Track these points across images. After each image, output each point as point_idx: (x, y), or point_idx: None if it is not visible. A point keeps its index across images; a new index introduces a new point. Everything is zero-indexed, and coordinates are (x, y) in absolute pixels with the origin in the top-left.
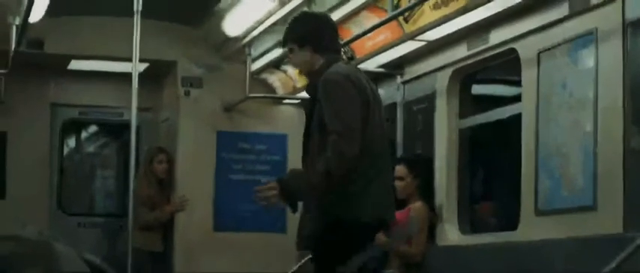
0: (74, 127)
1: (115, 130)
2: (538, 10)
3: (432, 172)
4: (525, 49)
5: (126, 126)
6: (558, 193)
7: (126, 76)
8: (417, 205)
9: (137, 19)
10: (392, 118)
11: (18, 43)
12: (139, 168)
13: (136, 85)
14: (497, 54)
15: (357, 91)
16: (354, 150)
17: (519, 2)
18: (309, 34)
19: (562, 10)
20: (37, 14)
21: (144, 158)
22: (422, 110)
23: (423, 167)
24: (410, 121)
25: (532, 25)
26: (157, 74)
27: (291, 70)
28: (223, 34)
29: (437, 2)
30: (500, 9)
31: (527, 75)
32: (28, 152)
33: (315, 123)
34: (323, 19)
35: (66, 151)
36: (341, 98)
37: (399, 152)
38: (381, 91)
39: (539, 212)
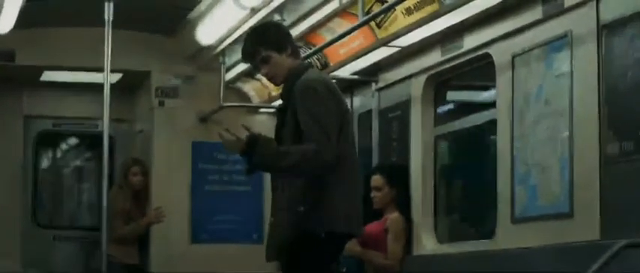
0: (48, 139)
1: (91, 142)
2: (512, 14)
3: (408, 182)
4: (499, 54)
5: (101, 137)
6: (534, 200)
7: (100, 87)
8: (393, 216)
9: (108, 30)
10: (367, 125)
11: None
12: (114, 180)
13: (108, 96)
14: (472, 59)
15: (334, 100)
16: (332, 160)
17: (493, 6)
18: (284, 39)
19: (536, 13)
20: (5, 25)
21: (119, 170)
22: (397, 117)
23: (399, 177)
24: (385, 129)
25: (506, 28)
26: (130, 85)
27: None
28: (196, 43)
29: (409, 7)
30: (473, 13)
31: (502, 80)
32: (3, 165)
33: (288, 128)
34: (283, 25)
35: (40, 163)
36: (320, 108)
37: (375, 161)
38: (357, 99)
39: (515, 220)
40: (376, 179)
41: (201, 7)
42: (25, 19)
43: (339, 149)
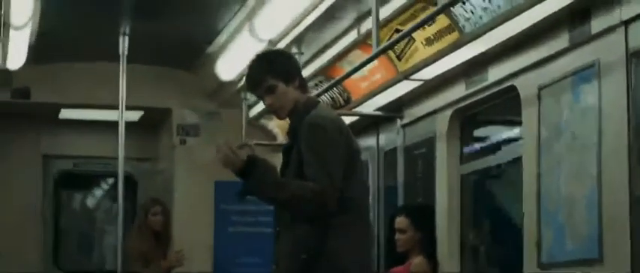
0: (68, 179)
1: (112, 182)
2: (537, 43)
3: (434, 224)
4: (525, 86)
5: (124, 177)
6: (562, 243)
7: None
8: (418, 260)
9: (123, 64)
10: (393, 164)
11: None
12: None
13: (123, 135)
14: (497, 92)
15: (344, 140)
16: (333, 205)
17: (516, 34)
18: (293, 69)
19: (562, 41)
20: (16, 61)
21: (138, 211)
22: (422, 155)
23: (424, 218)
24: (411, 167)
25: (531, 58)
26: (153, 122)
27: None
28: (217, 78)
29: (429, 37)
30: (496, 42)
31: (528, 113)
32: (20, 206)
33: (291, 168)
34: (293, 56)
35: (61, 204)
36: (328, 148)
37: (400, 201)
38: (382, 136)
39: (542, 265)
40: (400, 221)
41: (220, 40)
42: (39, 54)
43: (350, 191)
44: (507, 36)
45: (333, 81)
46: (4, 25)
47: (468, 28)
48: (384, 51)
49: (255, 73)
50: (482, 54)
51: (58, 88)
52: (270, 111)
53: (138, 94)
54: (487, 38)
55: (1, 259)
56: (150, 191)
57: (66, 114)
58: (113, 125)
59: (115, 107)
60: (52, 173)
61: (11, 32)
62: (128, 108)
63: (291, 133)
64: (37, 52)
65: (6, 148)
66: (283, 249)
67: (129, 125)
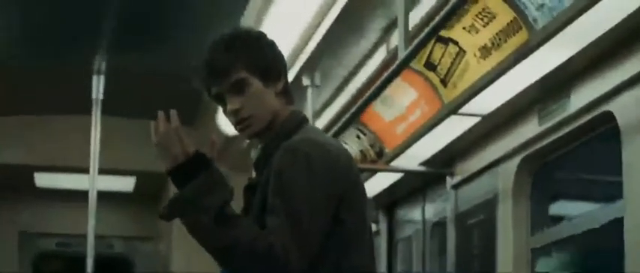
0: (50, 262)
1: (104, 267)
2: None
3: None
4: (626, 112)
5: (119, 261)
6: None
7: (115, 196)
8: None
9: (96, 113)
10: (441, 237)
11: None
12: None
13: (95, 205)
14: (585, 124)
15: (338, 183)
16: (299, 268)
17: (612, 33)
18: (279, 63)
19: None
20: None
21: None
22: (479, 225)
23: None
24: (464, 241)
25: (635, 68)
26: (150, 192)
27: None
28: (220, 133)
29: (485, 45)
30: (584, 44)
31: (631, 153)
32: None
33: (252, 214)
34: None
35: None
36: (306, 190)
37: None
38: (428, 205)
39: None
40: None
41: None
42: (3, 104)
43: (350, 260)
44: (600, 32)
45: (347, 116)
46: None
47: (541, 22)
48: (409, 59)
49: (220, 57)
50: (563, 65)
51: (27, 147)
52: (234, 123)
53: (125, 154)
54: (569, 37)
55: None
56: None
57: (42, 180)
58: (107, 195)
59: (106, 172)
60: (30, 254)
61: None
62: (112, 172)
63: (261, 161)
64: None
65: None
66: None
67: (121, 196)
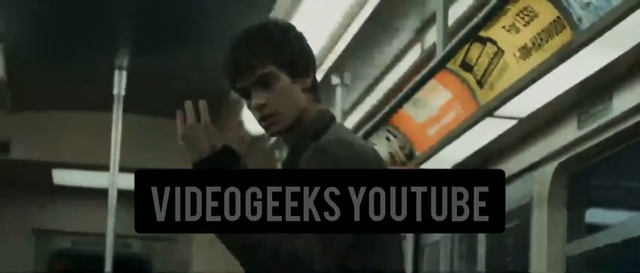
0: (66, 260)
1: (121, 266)
2: None
3: None
4: None
5: (137, 261)
6: None
7: (129, 194)
8: None
9: (118, 109)
10: (471, 243)
11: None
12: None
13: (114, 204)
14: (628, 129)
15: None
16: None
17: None
18: (308, 60)
19: None
20: None
21: None
22: (513, 232)
23: None
24: (495, 247)
25: None
26: None
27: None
28: (245, 132)
29: (525, 45)
30: (629, 46)
31: None
32: None
33: None
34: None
35: None
36: None
37: None
38: None
39: None
40: None
41: None
42: (19, 98)
43: (375, 263)
44: None
45: (379, 116)
46: None
47: (586, 22)
48: (448, 58)
49: (246, 50)
50: (606, 68)
51: (46, 143)
52: (259, 119)
53: (144, 152)
54: (614, 38)
55: None
56: None
57: (60, 177)
58: (123, 194)
59: (125, 170)
60: (46, 253)
61: None
62: (133, 171)
63: (289, 162)
64: (16, 94)
65: None
66: None
67: None
